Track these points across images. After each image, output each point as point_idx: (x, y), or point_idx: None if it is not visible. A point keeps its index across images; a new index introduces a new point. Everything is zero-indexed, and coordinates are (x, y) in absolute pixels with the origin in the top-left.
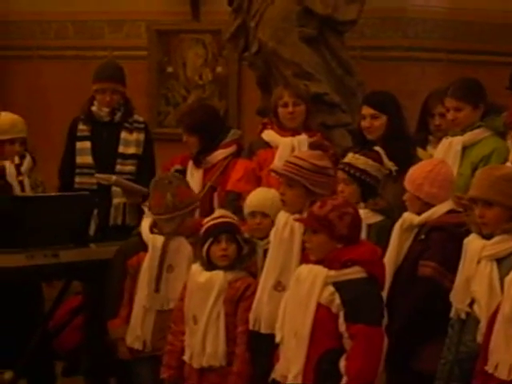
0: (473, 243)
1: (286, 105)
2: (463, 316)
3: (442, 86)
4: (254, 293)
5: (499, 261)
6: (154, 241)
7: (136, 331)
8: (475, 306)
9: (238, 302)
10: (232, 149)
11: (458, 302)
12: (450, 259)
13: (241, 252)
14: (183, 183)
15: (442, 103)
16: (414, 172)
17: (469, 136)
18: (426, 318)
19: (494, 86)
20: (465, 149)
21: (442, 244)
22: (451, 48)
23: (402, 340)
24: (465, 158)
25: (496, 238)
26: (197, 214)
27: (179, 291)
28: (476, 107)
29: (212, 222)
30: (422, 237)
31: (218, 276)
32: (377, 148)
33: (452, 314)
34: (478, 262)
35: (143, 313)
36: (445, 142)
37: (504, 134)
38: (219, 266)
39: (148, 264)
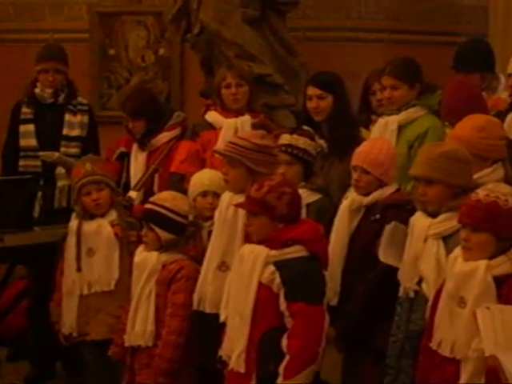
0: (419, 221)
1: (229, 86)
2: (412, 294)
3: (383, 66)
4: (185, 276)
5: (445, 239)
6: (72, 224)
7: (63, 316)
8: (423, 285)
9: (169, 283)
10: (176, 131)
11: (406, 280)
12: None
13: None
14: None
15: (379, 82)
16: (378, 155)
17: (404, 115)
18: (385, 296)
19: (436, 66)
20: (400, 128)
21: (398, 220)
22: (393, 28)
23: (360, 319)
24: (401, 137)
25: (442, 216)
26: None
27: (101, 275)
28: (412, 87)
29: (145, 206)
30: (377, 216)
31: (152, 257)
32: (305, 127)
33: (400, 292)
34: (425, 240)
35: (67, 297)
36: (381, 121)
37: (439, 113)
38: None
39: (68, 249)
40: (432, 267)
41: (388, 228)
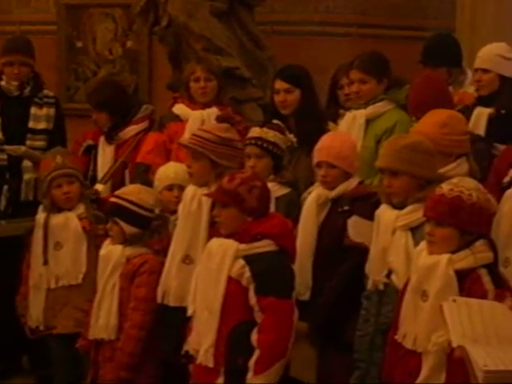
0: (385, 214)
1: (197, 79)
2: (381, 287)
3: (351, 60)
4: (148, 270)
5: (413, 230)
6: (39, 217)
7: (29, 309)
8: (393, 277)
9: (132, 277)
10: (144, 124)
11: (374, 273)
12: None
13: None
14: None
15: (347, 76)
16: (341, 148)
17: (372, 109)
18: (356, 288)
19: (403, 61)
20: (368, 122)
21: (367, 212)
22: (362, 23)
23: (332, 312)
24: (368, 131)
25: (409, 208)
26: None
27: (69, 268)
28: (380, 81)
29: (110, 200)
30: (346, 208)
31: (117, 250)
32: (276, 121)
33: (369, 286)
34: (393, 232)
35: (34, 291)
36: (349, 115)
37: (406, 107)
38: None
39: (35, 242)
40: (401, 259)
41: (349, 223)
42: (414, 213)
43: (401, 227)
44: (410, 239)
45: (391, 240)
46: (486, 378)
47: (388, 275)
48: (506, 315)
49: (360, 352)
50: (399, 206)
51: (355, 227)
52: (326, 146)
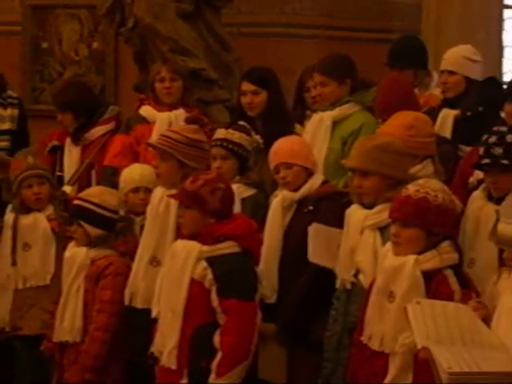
0: (355, 213)
1: (163, 80)
2: (349, 286)
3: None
4: (113, 272)
5: (381, 230)
6: (7, 218)
7: None
8: (361, 276)
9: (97, 279)
10: (110, 125)
11: (342, 272)
12: (341, 226)
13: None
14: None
15: (312, 78)
16: (292, 146)
17: (338, 111)
18: (324, 287)
19: (371, 63)
20: (335, 123)
21: (332, 211)
22: (328, 25)
23: (300, 312)
24: (335, 133)
25: (378, 207)
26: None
27: (37, 269)
28: (342, 83)
29: (73, 202)
30: (311, 208)
31: (81, 252)
32: (241, 122)
33: (337, 285)
34: (361, 232)
35: (1, 291)
36: (315, 117)
37: (373, 109)
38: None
39: (3, 242)
40: (369, 259)
41: (310, 231)
42: (382, 212)
43: (369, 227)
44: (378, 239)
45: (359, 239)
46: (451, 380)
47: (356, 275)
48: (470, 317)
49: (327, 351)
50: (369, 206)
51: (315, 235)
52: (277, 149)
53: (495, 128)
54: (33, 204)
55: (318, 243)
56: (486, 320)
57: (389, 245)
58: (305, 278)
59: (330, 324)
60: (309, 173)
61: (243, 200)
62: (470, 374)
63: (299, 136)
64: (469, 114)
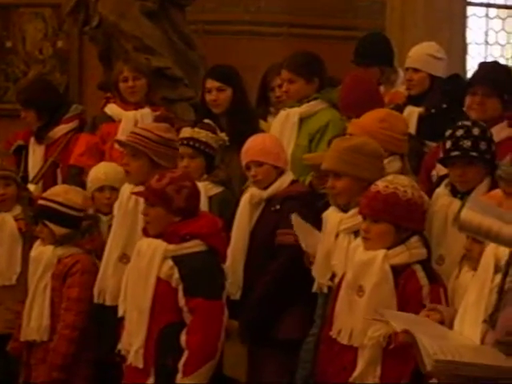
0: (331, 217)
1: (126, 79)
2: (325, 290)
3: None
4: (80, 269)
5: (356, 233)
6: None
7: None
8: (336, 280)
9: (64, 277)
10: (74, 124)
11: (319, 276)
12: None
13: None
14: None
15: (279, 75)
16: (263, 144)
17: (305, 108)
18: (288, 285)
19: (336, 60)
20: (302, 120)
21: (297, 212)
22: (292, 22)
23: (263, 309)
24: (302, 129)
25: (352, 211)
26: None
27: (3, 269)
28: (309, 80)
29: (37, 202)
30: (277, 207)
31: (47, 251)
32: (207, 120)
33: (314, 288)
34: (337, 235)
35: None
36: (282, 113)
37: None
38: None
39: None
40: (343, 262)
41: (293, 224)
42: (356, 216)
43: (344, 230)
44: (352, 243)
45: (335, 243)
46: (435, 367)
47: (332, 278)
48: (432, 322)
49: (305, 352)
50: (345, 209)
51: (297, 227)
52: (249, 147)
53: (459, 122)
54: None
55: (302, 234)
56: (444, 323)
57: (358, 240)
58: (269, 276)
59: (313, 328)
60: (280, 171)
61: (210, 198)
62: (454, 363)
63: (271, 134)
64: (433, 111)
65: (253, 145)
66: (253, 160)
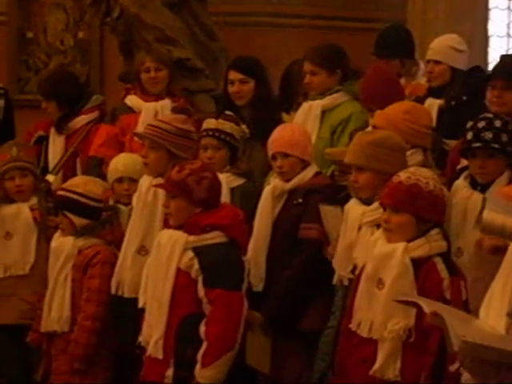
0: (353, 209)
1: (148, 70)
2: (346, 282)
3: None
4: (100, 260)
5: (379, 226)
6: None
7: None
8: (356, 272)
9: (85, 268)
10: (94, 114)
11: (340, 268)
12: None
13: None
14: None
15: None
16: (292, 136)
17: (328, 100)
18: (311, 280)
19: (358, 52)
20: (324, 112)
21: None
22: (314, 14)
23: (287, 305)
24: (324, 122)
25: (375, 204)
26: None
27: (17, 258)
28: (332, 73)
29: (57, 193)
30: (300, 200)
31: (68, 242)
32: (228, 112)
33: (335, 280)
34: (359, 228)
35: None
36: (305, 105)
37: None
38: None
39: None
40: (366, 255)
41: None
42: (380, 209)
43: (367, 223)
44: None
45: (357, 236)
46: (463, 349)
47: (353, 271)
48: (457, 310)
49: (325, 344)
50: (367, 202)
51: (326, 216)
52: (277, 137)
53: (481, 115)
54: (15, 196)
55: (328, 225)
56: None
57: (378, 232)
58: (292, 271)
59: (331, 318)
60: (305, 164)
61: (232, 189)
62: (482, 346)
63: (300, 125)
64: (453, 103)
65: (281, 135)
66: (279, 151)
